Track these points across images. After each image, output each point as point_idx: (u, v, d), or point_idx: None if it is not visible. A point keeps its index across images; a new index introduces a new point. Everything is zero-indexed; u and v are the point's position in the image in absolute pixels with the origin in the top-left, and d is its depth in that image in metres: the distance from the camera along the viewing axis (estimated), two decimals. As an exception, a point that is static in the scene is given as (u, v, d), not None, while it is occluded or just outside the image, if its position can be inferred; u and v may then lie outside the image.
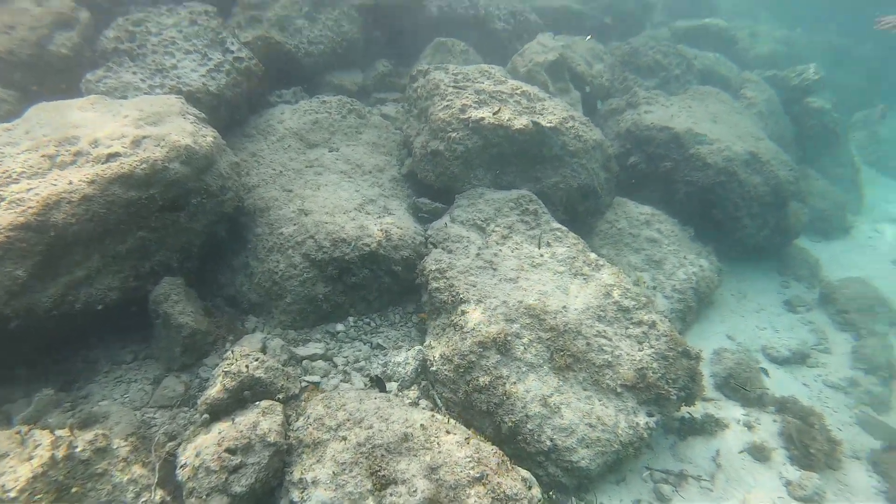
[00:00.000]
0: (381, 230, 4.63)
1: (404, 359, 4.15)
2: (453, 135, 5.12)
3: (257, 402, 3.34)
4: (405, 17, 8.21)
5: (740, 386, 4.67)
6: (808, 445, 4.16)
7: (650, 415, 3.78)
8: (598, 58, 7.96)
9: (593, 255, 4.73)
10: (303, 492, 2.93)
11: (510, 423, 3.53)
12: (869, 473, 4.19)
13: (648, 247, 5.62)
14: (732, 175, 5.99)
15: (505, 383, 3.64)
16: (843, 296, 6.06)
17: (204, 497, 2.84)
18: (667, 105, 6.83)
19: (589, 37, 8.31)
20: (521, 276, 4.31)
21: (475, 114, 5.13)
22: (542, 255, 4.60)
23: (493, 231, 4.77)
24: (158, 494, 2.92)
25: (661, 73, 8.59)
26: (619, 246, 5.66)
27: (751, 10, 17.19)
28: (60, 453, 2.79)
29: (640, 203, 6.12)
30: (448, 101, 5.36)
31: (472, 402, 3.67)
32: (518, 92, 5.54)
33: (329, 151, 5.75)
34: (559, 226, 4.91)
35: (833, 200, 8.01)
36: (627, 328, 4.21)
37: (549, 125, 5.20)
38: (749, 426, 4.45)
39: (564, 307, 4.12)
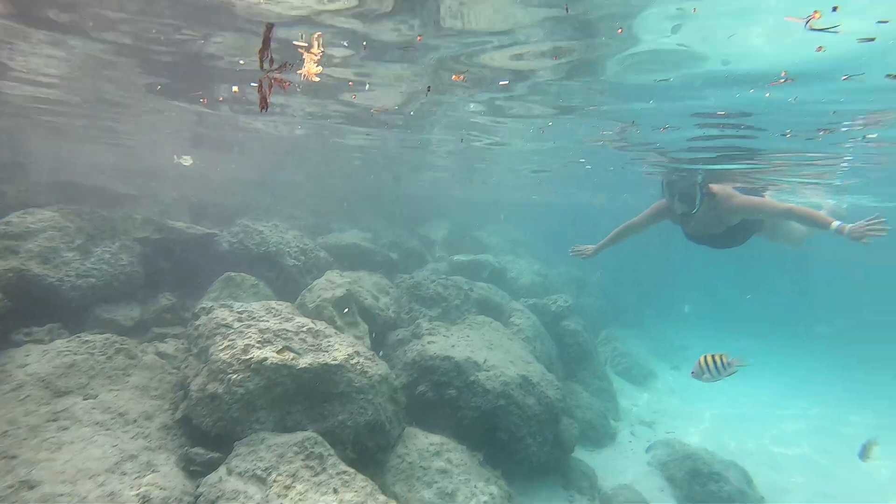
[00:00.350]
0: (139, 495, 3.94)
1: None
2: (234, 377, 4.88)
3: None
4: (195, 251, 8.21)
5: None
6: None
7: None
8: (385, 291, 8.65)
9: (382, 498, 4.53)
10: None
11: None
12: None
13: (440, 479, 5.60)
14: (510, 398, 6.54)
15: None
16: (618, 503, 6.55)
17: None
18: (447, 335, 7.50)
19: (377, 275, 9.14)
20: (304, 537, 3.89)
21: (258, 354, 5.03)
22: (329, 506, 4.27)
23: (275, 482, 4.37)
24: None
25: (442, 304, 9.56)
26: (411, 481, 5.54)
27: (513, 248, 20.71)
28: None
29: (430, 432, 6.23)
30: (230, 340, 5.21)
31: None
32: (304, 329, 5.65)
33: (84, 399, 5.01)
34: (346, 468, 4.69)
35: (597, 410, 9.09)
36: (422, 581, 3.93)
37: (334, 362, 5.28)
38: None
39: (354, 567, 3.75)
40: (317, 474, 4.55)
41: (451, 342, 7.27)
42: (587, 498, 6.92)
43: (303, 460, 4.57)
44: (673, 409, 11.59)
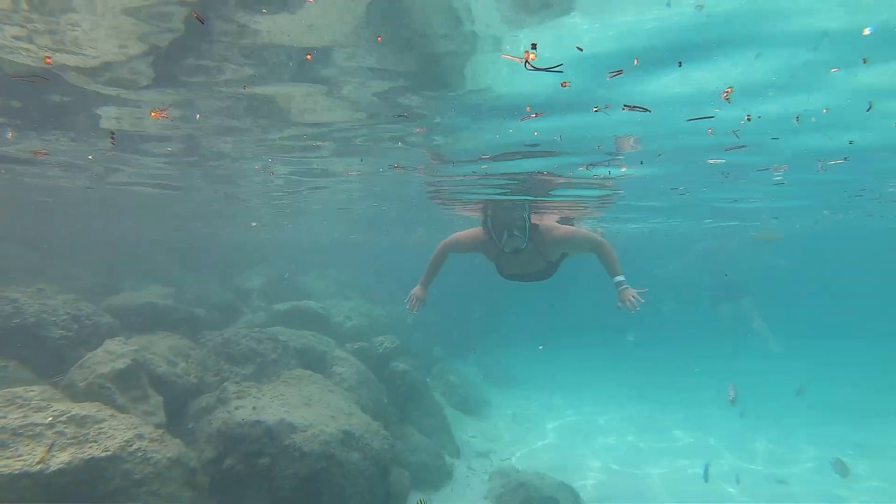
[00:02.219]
0: None
1: None
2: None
3: None
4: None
5: None
6: None
7: None
8: (185, 354, 7.57)
9: None
10: None
11: None
12: None
13: (253, 569, 4.82)
14: (331, 458, 5.98)
15: None
16: (455, 551, 6.28)
17: None
18: (259, 396, 6.71)
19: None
20: None
21: (-14, 462, 3.87)
22: None
23: None
24: None
25: (257, 360, 8.67)
26: (218, 579, 4.69)
27: (341, 291, 20.08)
28: None
29: (242, 512, 5.41)
30: (-55, 449, 3.95)
31: None
32: (64, 418, 4.54)
33: None
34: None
35: (431, 451, 8.85)
36: None
37: (104, 454, 4.30)
38: None
39: None
40: None
41: (262, 404, 6.50)
42: (424, 550, 6.56)
43: None
44: (508, 435, 11.85)
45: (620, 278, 5.27)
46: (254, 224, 17.77)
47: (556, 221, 8.55)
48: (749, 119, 4.92)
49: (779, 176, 8.35)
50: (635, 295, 5.05)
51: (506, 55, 3.52)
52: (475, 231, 5.89)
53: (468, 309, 24.50)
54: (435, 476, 8.59)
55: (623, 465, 10.28)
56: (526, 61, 3.43)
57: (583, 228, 6.41)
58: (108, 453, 4.37)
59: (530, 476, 8.04)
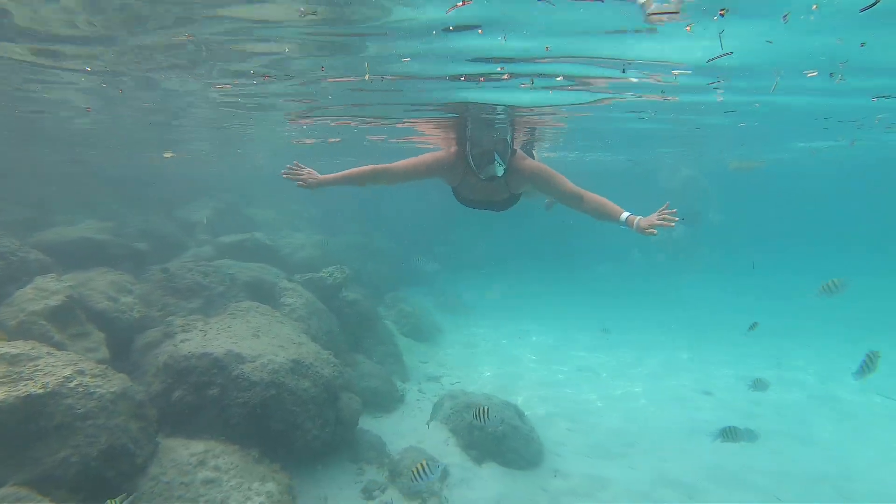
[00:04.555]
0: None
1: None
2: None
3: None
4: None
5: None
6: None
7: None
8: (126, 290, 7.41)
9: (125, 537, 3.84)
10: None
11: None
12: None
13: (206, 491, 5.00)
14: (281, 386, 6.11)
15: None
16: (405, 467, 6.66)
17: None
18: (205, 329, 6.70)
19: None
20: None
21: (-85, 402, 3.78)
22: (42, 571, 3.43)
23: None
24: None
25: (203, 293, 8.59)
26: (172, 502, 4.85)
27: (291, 222, 19.77)
28: None
29: (192, 440, 5.54)
30: None
31: None
32: (-5, 356, 4.44)
33: None
34: (71, 516, 3.85)
35: (382, 377, 9.14)
36: None
37: (41, 391, 4.26)
38: None
39: None
40: (23, 536, 3.63)
41: (209, 336, 6.51)
42: (376, 466, 6.92)
43: (-2, 525, 3.60)
44: (459, 360, 12.31)
45: (626, 214, 4.49)
46: (167, 154, 16.95)
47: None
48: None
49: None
50: (659, 214, 4.28)
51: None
52: (428, 158, 5.07)
53: (423, 237, 24.59)
54: (386, 400, 8.92)
55: (568, 388, 10.92)
56: None
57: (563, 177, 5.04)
58: (47, 390, 4.34)
59: (478, 397, 8.44)
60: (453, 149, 5.13)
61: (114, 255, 9.28)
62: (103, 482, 4.55)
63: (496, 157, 4.66)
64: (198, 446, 5.47)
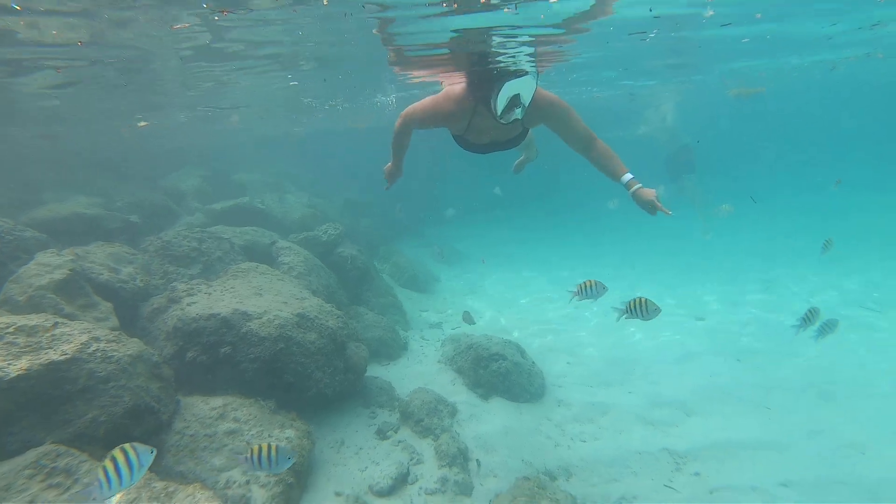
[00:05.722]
0: None
1: None
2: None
3: None
4: None
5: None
6: (426, 567, 4.39)
7: None
8: (127, 260, 7.51)
9: (160, 484, 4.11)
10: None
11: None
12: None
13: (230, 441, 5.28)
14: (289, 339, 6.32)
15: None
16: (415, 407, 6.98)
17: None
18: (209, 292, 6.86)
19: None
20: (57, 564, 3.33)
21: (-55, 376, 3.95)
22: (89, 518, 3.70)
23: (10, 517, 3.62)
24: None
25: (202, 259, 8.70)
26: (198, 453, 5.13)
27: (279, 184, 19.66)
28: None
29: (211, 396, 5.79)
30: None
31: None
32: (11, 329, 4.59)
33: None
34: (108, 469, 4.10)
35: (385, 326, 9.39)
36: (220, 551, 3.71)
37: (63, 357, 4.44)
38: (377, 578, 4.44)
39: (133, 570, 3.35)
40: (66, 490, 3.88)
41: (214, 298, 6.67)
42: (387, 409, 7.23)
43: (42, 481, 3.84)
44: (457, 306, 12.62)
45: (629, 176, 4.25)
46: (141, 124, 16.63)
47: None
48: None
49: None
50: (659, 205, 4.09)
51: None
52: (442, 101, 4.54)
53: (413, 190, 24.58)
54: (391, 348, 9.21)
55: (564, 324, 11.28)
56: None
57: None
58: (67, 356, 4.51)
59: (478, 338, 8.74)
60: (463, 93, 4.47)
61: (108, 229, 9.33)
62: (132, 439, 4.79)
63: (521, 98, 4.08)
64: (216, 401, 5.71)
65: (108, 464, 3.02)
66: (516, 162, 6.80)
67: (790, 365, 8.71)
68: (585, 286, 5.49)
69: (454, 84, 4.66)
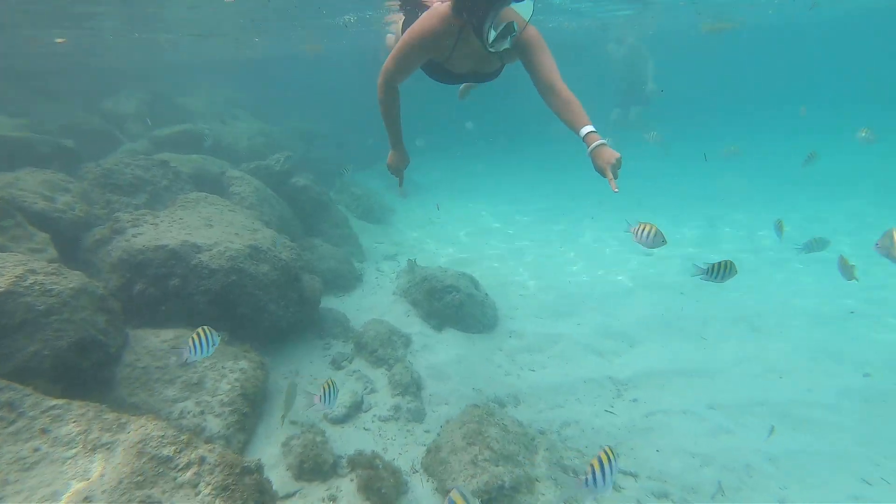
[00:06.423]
0: None
1: None
2: None
3: None
4: None
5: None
6: (378, 487, 4.62)
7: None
8: (63, 188, 7.09)
9: (112, 416, 4.08)
10: None
11: None
12: (424, 480, 4.97)
13: (182, 373, 5.27)
14: (241, 272, 6.23)
15: None
16: (369, 338, 7.10)
17: None
18: (156, 223, 6.61)
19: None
20: (5, 495, 3.33)
21: None
22: (38, 449, 3.68)
23: (-47, 452, 3.55)
24: None
25: (148, 188, 8.33)
26: (150, 384, 5.11)
27: (229, 110, 18.73)
28: None
29: (161, 329, 5.71)
30: None
31: None
32: (-61, 260, 4.34)
33: None
34: (56, 402, 4.03)
35: (340, 258, 9.36)
36: (176, 478, 3.77)
37: (-3, 290, 4.24)
38: (333, 499, 4.65)
39: (87, 497, 3.39)
40: (10, 423, 3.82)
41: (161, 229, 6.44)
42: (341, 340, 7.34)
43: (-17, 415, 3.76)
44: (412, 239, 12.65)
45: (590, 129, 3.76)
46: (58, 40, 15.27)
47: None
48: None
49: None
50: (613, 175, 3.57)
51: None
52: (430, 17, 3.95)
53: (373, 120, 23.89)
54: (346, 280, 9.22)
55: (517, 258, 11.52)
56: None
57: None
58: (0, 290, 4.32)
59: (433, 270, 8.83)
60: (449, 12, 3.87)
61: (38, 154, 8.72)
62: (80, 372, 4.72)
63: (514, 26, 3.64)
64: (168, 334, 5.65)
65: (195, 336, 4.28)
66: (462, 87, 6.28)
67: (726, 299, 9.24)
68: (642, 230, 4.80)
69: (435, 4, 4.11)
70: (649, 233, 4.76)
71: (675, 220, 13.87)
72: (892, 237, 4.31)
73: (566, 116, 3.95)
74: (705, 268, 4.96)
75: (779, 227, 8.25)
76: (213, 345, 4.37)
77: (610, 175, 3.58)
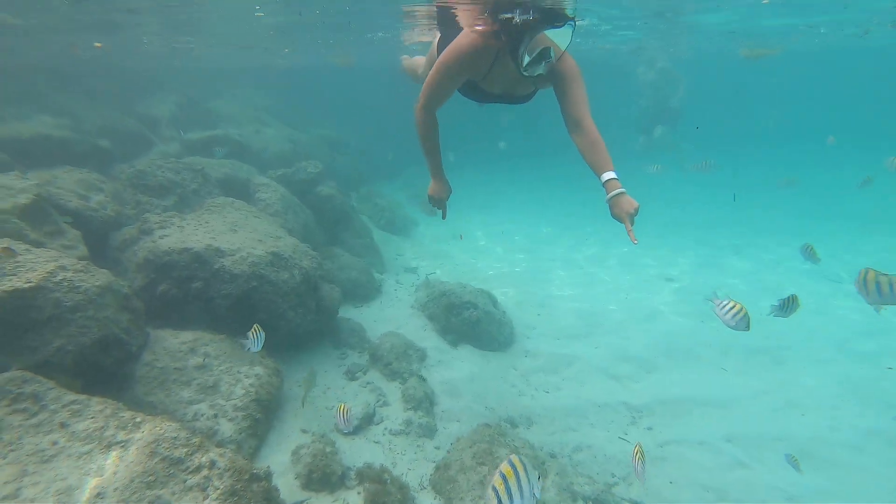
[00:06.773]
0: None
1: None
2: None
3: None
4: None
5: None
6: (385, 502, 4.60)
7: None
8: (97, 188, 7.31)
9: (128, 414, 4.15)
10: None
11: None
12: (432, 497, 4.93)
13: (198, 375, 5.35)
14: (262, 278, 6.31)
15: None
16: (385, 350, 7.11)
17: None
18: (182, 225, 6.75)
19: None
20: (23, 486, 3.40)
21: None
22: (56, 443, 3.76)
23: (-25, 440, 3.65)
24: None
25: (177, 191, 8.51)
26: (167, 385, 5.20)
27: (258, 117, 19.07)
28: None
29: (181, 331, 5.81)
30: None
31: None
32: (-25, 254, 4.49)
33: None
34: (76, 397, 4.13)
35: (360, 268, 9.42)
36: (186, 480, 3.81)
37: (27, 285, 4.37)
38: (337, 511, 4.65)
39: (100, 494, 3.44)
40: (33, 415, 3.91)
41: (186, 232, 6.58)
42: (357, 351, 7.37)
43: (7, 406, 3.86)
44: (433, 251, 12.69)
45: (612, 175, 3.74)
46: (96, 44, 15.76)
47: None
48: None
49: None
50: (630, 229, 3.60)
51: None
52: (469, 37, 3.92)
53: (397, 133, 24.14)
54: (365, 290, 9.28)
55: (538, 276, 11.47)
56: None
57: None
58: (32, 284, 4.45)
59: (452, 285, 8.83)
60: (487, 33, 3.90)
61: (75, 154, 9.00)
62: (100, 368, 4.82)
63: (551, 52, 3.60)
64: (187, 336, 5.74)
65: (253, 332, 5.17)
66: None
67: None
68: (727, 307, 4.55)
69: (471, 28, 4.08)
70: (736, 314, 4.49)
71: (702, 246, 13.67)
72: (864, 277, 4.14)
73: (589, 157, 3.91)
74: (779, 304, 4.98)
75: (810, 253, 7.78)
76: (262, 342, 5.25)
77: (628, 225, 3.58)
